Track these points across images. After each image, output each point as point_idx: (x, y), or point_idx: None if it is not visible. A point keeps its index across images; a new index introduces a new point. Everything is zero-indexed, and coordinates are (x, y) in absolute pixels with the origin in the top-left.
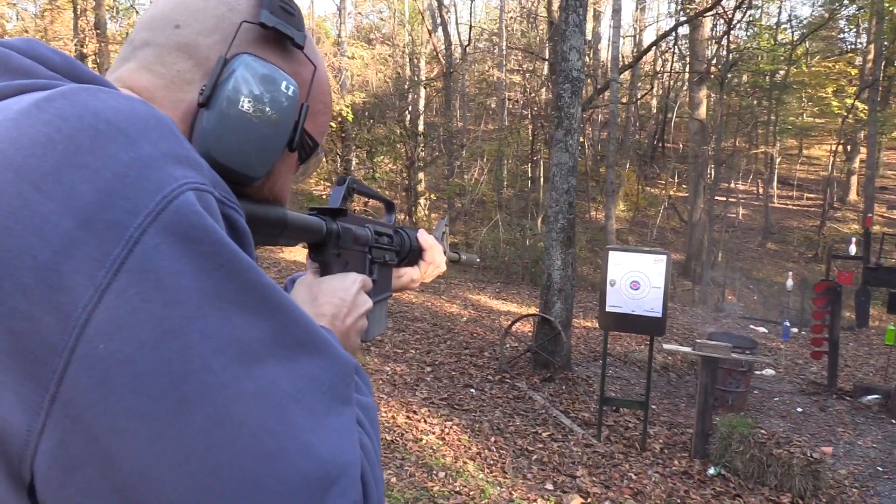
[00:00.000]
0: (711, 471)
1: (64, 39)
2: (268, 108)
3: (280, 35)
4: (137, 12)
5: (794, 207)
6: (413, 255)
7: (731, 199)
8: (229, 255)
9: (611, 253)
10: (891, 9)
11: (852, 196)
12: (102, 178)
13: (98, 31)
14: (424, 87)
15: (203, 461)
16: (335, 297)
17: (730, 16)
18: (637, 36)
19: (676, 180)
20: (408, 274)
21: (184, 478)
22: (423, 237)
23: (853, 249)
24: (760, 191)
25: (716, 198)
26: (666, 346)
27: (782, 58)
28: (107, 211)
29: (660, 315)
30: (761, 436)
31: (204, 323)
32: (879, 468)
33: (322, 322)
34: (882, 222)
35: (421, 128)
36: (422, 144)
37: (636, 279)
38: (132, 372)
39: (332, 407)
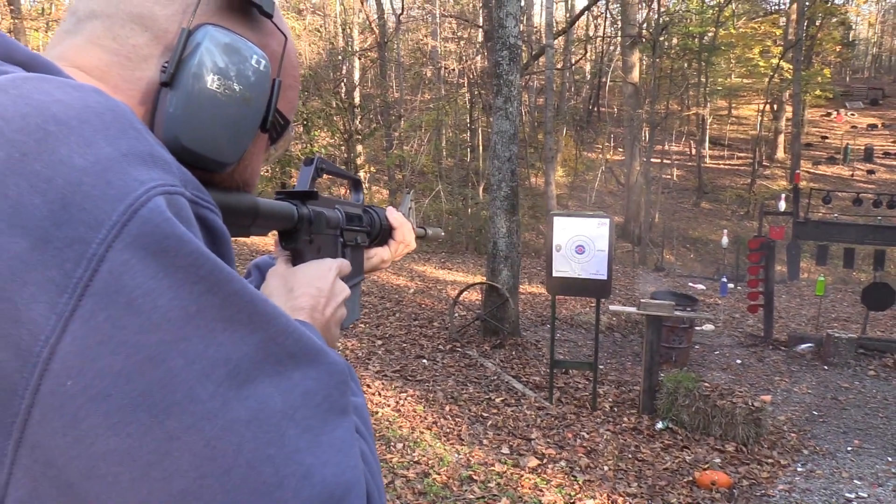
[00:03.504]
0: (659, 425)
1: None
2: (238, 86)
3: (246, 2)
4: None
5: (726, 167)
6: (383, 234)
7: (665, 161)
8: (209, 266)
9: (555, 218)
10: None
11: (780, 154)
12: (55, 187)
13: (12, 7)
14: (358, 58)
15: (196, 502)
16: (312, 288)
17: None
18: (569, 1)
19: (612, 144)
20: (378, 254)
21: None
22: (393, 215)
23: (783, 205)
24: (693, 152)
25: (651, 160)
26: (612, 308)
27: (711, 20)
28: (63, 226)
29: (605, 278)
30: (705, 389)
31: (186, 346)
32: (815, 412)
33: (300, 316)
34: (808, 178)
35: (357, 100)
36: (359, 116)
37: (581, 243)
38: (107, 409)
39: (329, 420)
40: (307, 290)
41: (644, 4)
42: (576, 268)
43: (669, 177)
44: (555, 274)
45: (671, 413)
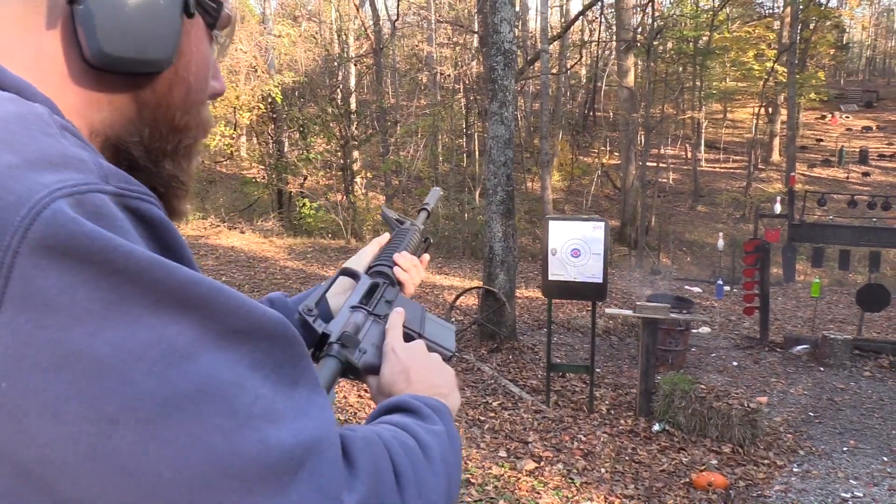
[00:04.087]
0: (656, 427)
1: None
2: None
3: None
4: None
5: (722, 170)
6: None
7: (661, 165)
8: (124, 257)
9: (551, 222)
10: None
11: (775, 157)
12: None
13: None
14: (354, 64)
15: (145, 481)
16: (441, 379)
17: None
18: (564, 6)
19: (608, 148)
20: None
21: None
22: (399, 272)
23: (778, 208)
24: (689, 155)
25: (647, 164)
26: (608, 311)
27: (705, 24)
28: None
29: (601, 281)
30: (701, 391)
31: (111, 333)
32: (811, 413)
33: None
34: (803, 180)
35: (353, 106)
36: (355, 123)
37: (576, 247)
38: (42, 403)
39: (281, 389)
40: (440, 380)
41: (639, 9)
42: (571, 271)
43: (666, 180)
44: (551, 278)
45: (668, 415)
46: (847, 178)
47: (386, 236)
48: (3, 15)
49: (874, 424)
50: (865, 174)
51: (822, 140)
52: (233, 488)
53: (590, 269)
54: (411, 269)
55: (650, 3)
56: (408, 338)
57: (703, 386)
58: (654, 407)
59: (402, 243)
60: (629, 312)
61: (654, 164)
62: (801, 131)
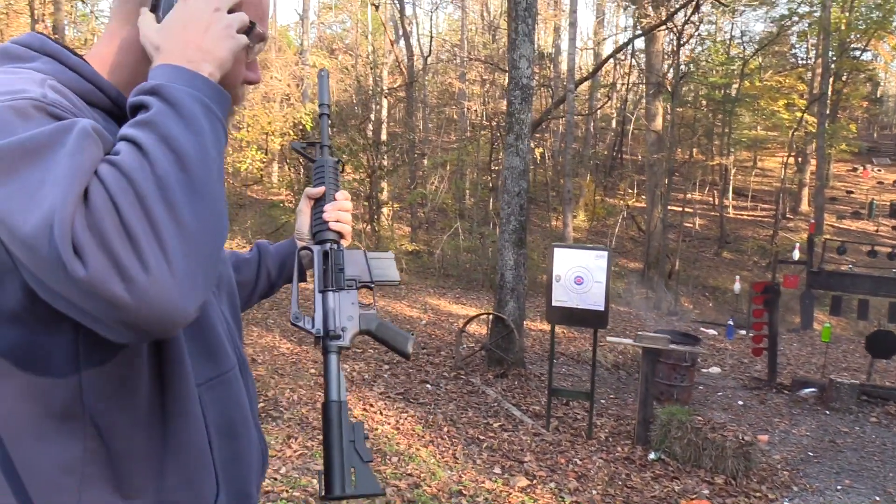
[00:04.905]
0: (652, 455)
1: None
2: None
3: None
4: (97, 18)
5: (749, 217)
6: None
7: (687, 210)
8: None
9: (556, 250)
10: (839, 25)
11: (804, 206)
12: None
13: (56, 37)
14: (386, 98)
15: None
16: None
17: (679, 30)
18: (596, 48)
19: (635, 191)
20: None
21: None
22: (334, 226)
23: (797, 255)
24: (716, 201)
25: (673, 207)
26: (610, 339)
27: (735, 72)
28: None
29: (602, 309)
30: (697, 422)
31: None
32: (811, 453)
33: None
34: (832, 232)
35: (384, 137)
36: (385, 154)
37: (580, 274)
38: None
39: (31, 169)
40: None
41: (668, 54)
42: (574, 298)
43: (692, 225)
44: (554, 303)
45: (664, 444)
46: (877, 230)
47: (313, 190)
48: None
49: (872, 466)
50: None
51: (852, 192)
52: (27, 251)
53: (592, 297)
54: (341, 217)
55: (677, 50)
56: (358, 288)
57: (699, 417)
58: (652, 436)
59: (328, 191)
60: (629, 341)
61: (680, 209)
62: (831, 182)
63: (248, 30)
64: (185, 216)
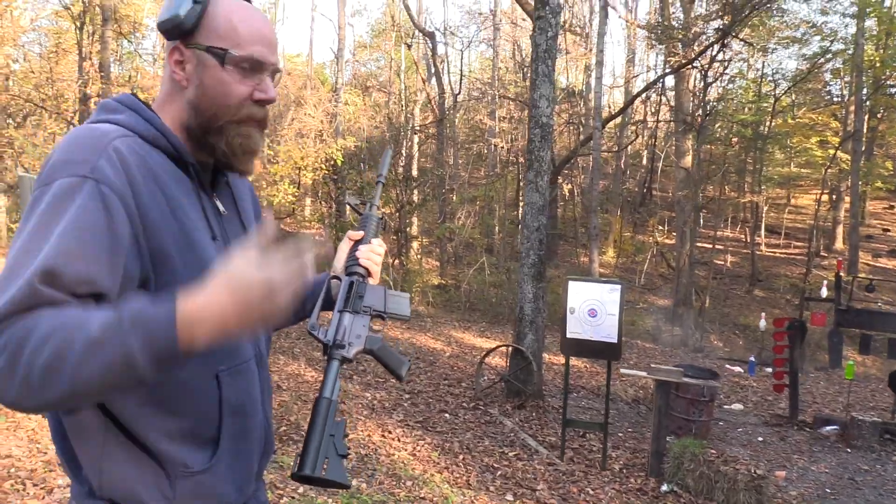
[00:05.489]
0: (665, 487)
1: (68, 81)
2: None
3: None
4: (140, 56)
5: (782, 255)
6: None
7: (718, 247)
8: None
9: (570, 283)
10: (873, 63)
11: (838, 244)
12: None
13: (102, 74)
14: (417, 134)
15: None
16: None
17: (705, 69)
18: (627, 86)
19: (665, 228)
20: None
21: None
22: (364, 263)
23: (825, 292)
24: (748, 238)
25: (703, 245)
26: (623, 371)
27: (768, 109)
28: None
29: (615, 341)
30: (710, 455)
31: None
32: (828, 490)
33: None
34: (868, 270)
35: (414, 172)
36: (414, 189)
37: (593, 307)
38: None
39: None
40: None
41: (698, 91)
42: (588, 330)
43: (723, 262)
44: (569, 335)
45: (677, 477)
46: None
47: (355, 233)
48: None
49: None
50: None
51: (888, 230)
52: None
53: (605, 329)
54: (371, 258)
55: (704, 88)
56: (372, 315)
57: (713, 451)
58: (665, 468)
59: (367, 236)
60: (643, 374)
61: (711, 246)
62: (867, 220)
63: (223, 55)
64: (34, 387)
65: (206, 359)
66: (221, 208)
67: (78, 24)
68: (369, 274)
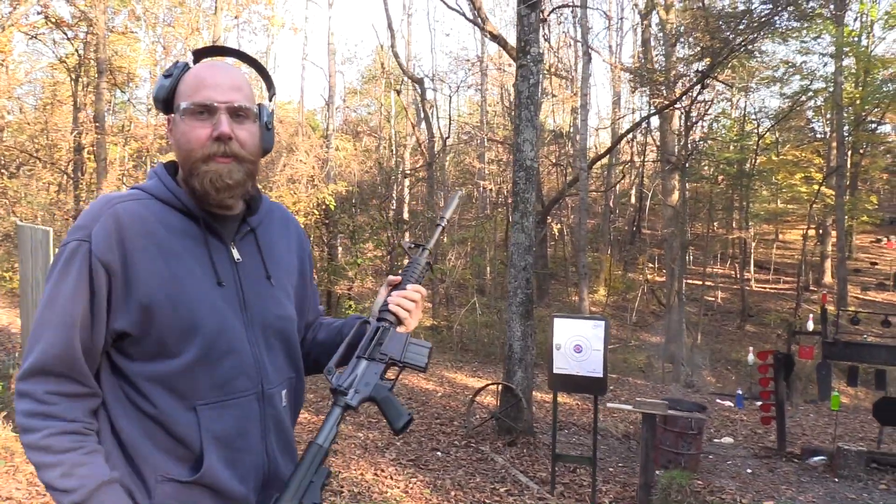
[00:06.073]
0: None
1: (63, 131)
2: None
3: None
4: (134, 106)
5: (771, 290)
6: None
7: (708, 283)
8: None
9: (556, 320)
10: (855, 99)
11: (827, 278)
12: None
13: (97, 125)
14: (407, 177)
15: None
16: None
17: (687, 110)
18: (613, 126)
19: (656, 265)
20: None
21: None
22: (397, 311)
23: (811, 325)
24: (738, 274)
25: (694, 281)
26: (610, 405)
27: (752, 147)
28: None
29: (601, 375)
30: (697, 486)
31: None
32: None
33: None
34: (857, 303)
35: (405, 215)
36: (405, 231)
37: (579, 343)
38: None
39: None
40: None
41: (682, 131)
42: (574, 366)
43: (714, 299)
44: (555, 371)
45: None
46: None
47: (392, 278)
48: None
49: None
50: None
51: (876, 263)
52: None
53: (591, 364)
54: (403, 303)
55: (688, 128)
56: (387, 363)
57: (700, 482)
58: (653, 500)
59: (404, 281)
60: (629, 407)
61: (701, 283)
62: (854, 254)
63: (179, 109)
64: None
65: (180, 395)
66: (237, 256)
67: (73, 76)
68: (399, 320)
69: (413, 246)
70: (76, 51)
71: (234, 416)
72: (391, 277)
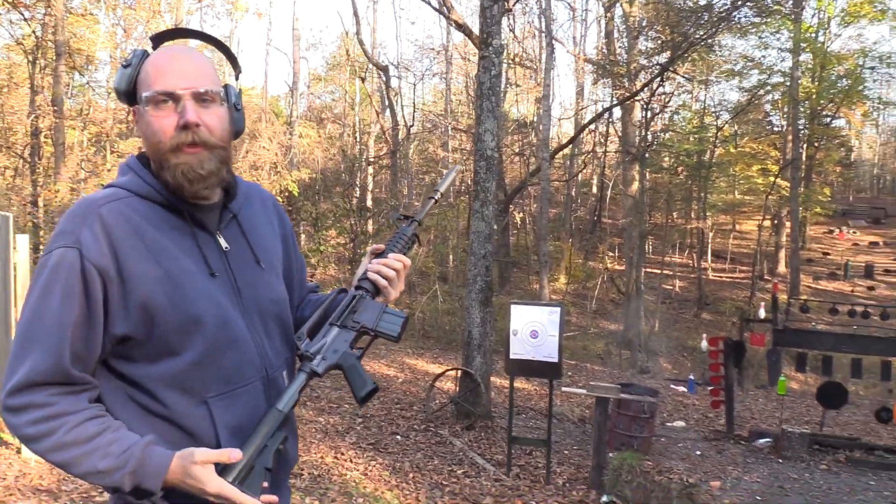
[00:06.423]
0: (604, 499)
1: (19, 115)
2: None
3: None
4: (94, 90)
5: (728, 279)
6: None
7: (666, 272)
8: (39, 280)
9: (513, 307)
10: (811, 93)
11: (781, 268)
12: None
13: (55, 108)
14: (371, 165)
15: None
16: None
17: (647, 102)
18: (577, 117)
19: (616, 254)
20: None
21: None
22: (377, 280)
23: (762, 313)
24: (695, 264)
25: (653, 270)
26: (564, 389)
27: (711, 139)
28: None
29: (556, 360)
30: (647, 466)
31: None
32: (758, 497)
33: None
34: (809, 292)
35: (369, 203)
36: (369, 219)
37: (535, 329)
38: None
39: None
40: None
41: (642, 124)
42: (530, 351)
43: (672, 287)
44: (512, 356)
45: (616, 488)
46: (852, 291)
47: (375, 247)
48: None
49: None
50: (871, 288)
51: (828, 254)
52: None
53: (546, 349)
54: (381, 271)
55: (648, 120)
56: (358, 331)
57: (649, 462)
58: (605, 480)
59: (387, 250)
60: (583, 391)
61: (659, 272)
62: (808, 244)
63: (142, 99)
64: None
65: (189, 391)
66: (224, 245)
67: (31, 58)
68: (377, 288)
69: (403, 217)
70: (34, 32)
71: (244, 405)
72: (375, 246)
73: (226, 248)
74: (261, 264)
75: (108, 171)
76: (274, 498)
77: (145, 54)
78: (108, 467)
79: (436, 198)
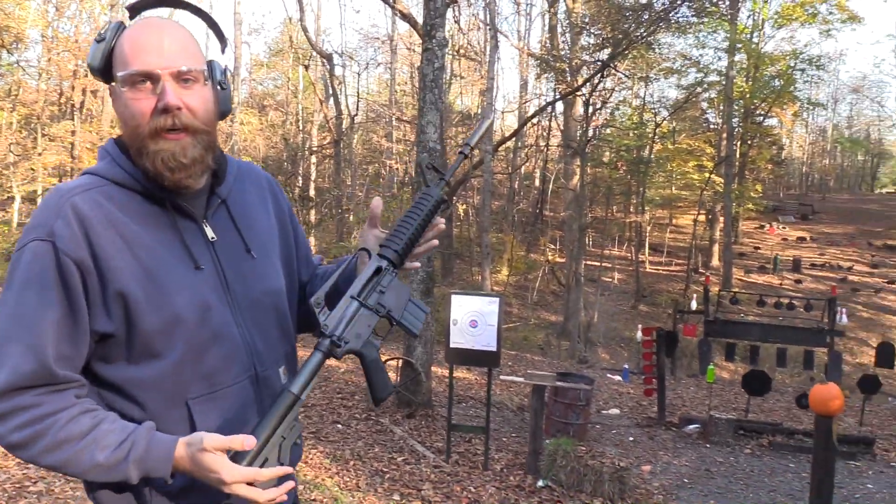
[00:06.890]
0: (540, 483)
1: None
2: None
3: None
4: (24, 70)
5: (664, 272)
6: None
7: (605, 265)
8: (15, 276)
9: (453, 296)
10: (745, 92)
11: (714, 261)
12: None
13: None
14: (314, 154)
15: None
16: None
17: (588, 97)
18: (520, 110)
19: (557, 246)
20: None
21: None
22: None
23: (694, 305)
24: (634, 257)
25: (592, 263)
26: (503, 378)
27: (649, 135)
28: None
29: (495, 349)
30: (580, 451)
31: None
32: (686, 480)
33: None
34: (740, 285)
35: (311, 192)
36: (312, 209)
37: (474, 318)
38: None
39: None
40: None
41: (582, 118)
42: (470, 340)
43: (610, 280)
44: (452, 345)
45: (551, 472)
46: (781, 284)
47: (374, 206)
48: None
49: (737, 489)
50: (798, 281)
51: (759, 248)
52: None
53: (485, 338)
54: (428, 250)
55: (588, 116)
56: (382, 316)
57: (582, 447)
58: (541, 465)
59: (413, 219)
60: (521, 379)
61: (599, 264)
62: (740, 239)
63: (118, 78)
64: (37, 464)
65: (169, 393)
66: (211, 235)
67: None
68: (401, 260)
69: (431, 167)
70: None
71: (230, 406)
72: (375, 203)
73: (212, 238)
74: (252, 253)
75: (39, 154)
76: (291, 483)
77: (121, 26)
78: (110, 459)
79: (466, 153)
